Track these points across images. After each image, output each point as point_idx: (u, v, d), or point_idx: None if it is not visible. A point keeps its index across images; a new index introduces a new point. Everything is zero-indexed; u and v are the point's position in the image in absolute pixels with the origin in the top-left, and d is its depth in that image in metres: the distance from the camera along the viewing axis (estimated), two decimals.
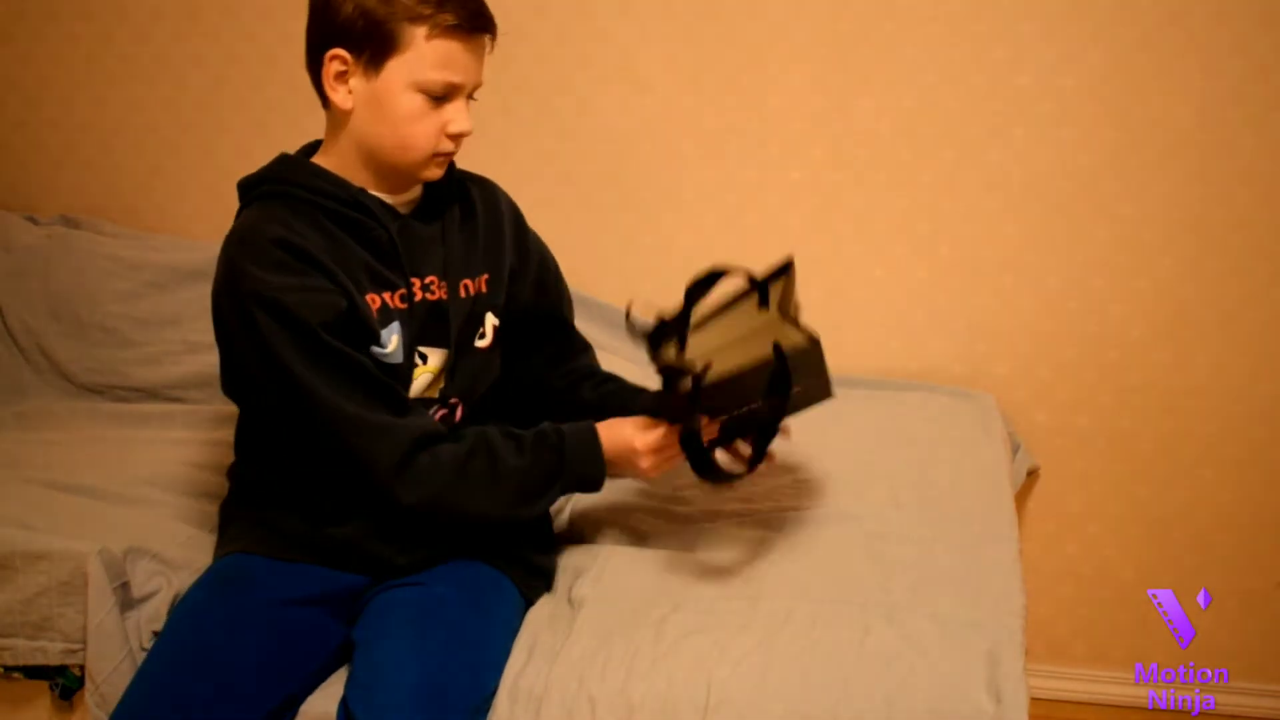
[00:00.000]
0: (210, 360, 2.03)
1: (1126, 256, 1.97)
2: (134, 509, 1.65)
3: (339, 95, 1.33)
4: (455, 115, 1.35)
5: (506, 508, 1.39)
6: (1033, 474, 2.08)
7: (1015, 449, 1.99)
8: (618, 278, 2.14)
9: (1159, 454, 2.05)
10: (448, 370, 1.44)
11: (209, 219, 2.24)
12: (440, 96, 1.33)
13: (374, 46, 1.30)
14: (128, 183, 2.27)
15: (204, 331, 2.06)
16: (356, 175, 1.39)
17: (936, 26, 1.92)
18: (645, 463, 1.40)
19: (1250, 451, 2.02)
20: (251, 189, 1.40)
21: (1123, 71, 1.89)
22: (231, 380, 1.43)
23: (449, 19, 1.29)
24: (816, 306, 2.10)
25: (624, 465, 1.42)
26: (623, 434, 1.41)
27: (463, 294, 1.45)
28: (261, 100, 2.17)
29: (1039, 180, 1.96)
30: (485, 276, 1.48)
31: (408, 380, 1.41)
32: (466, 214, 1.48)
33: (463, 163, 1.52)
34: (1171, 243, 1.95)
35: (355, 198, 1.37)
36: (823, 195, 2.04)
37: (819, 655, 1.31)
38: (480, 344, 1.48)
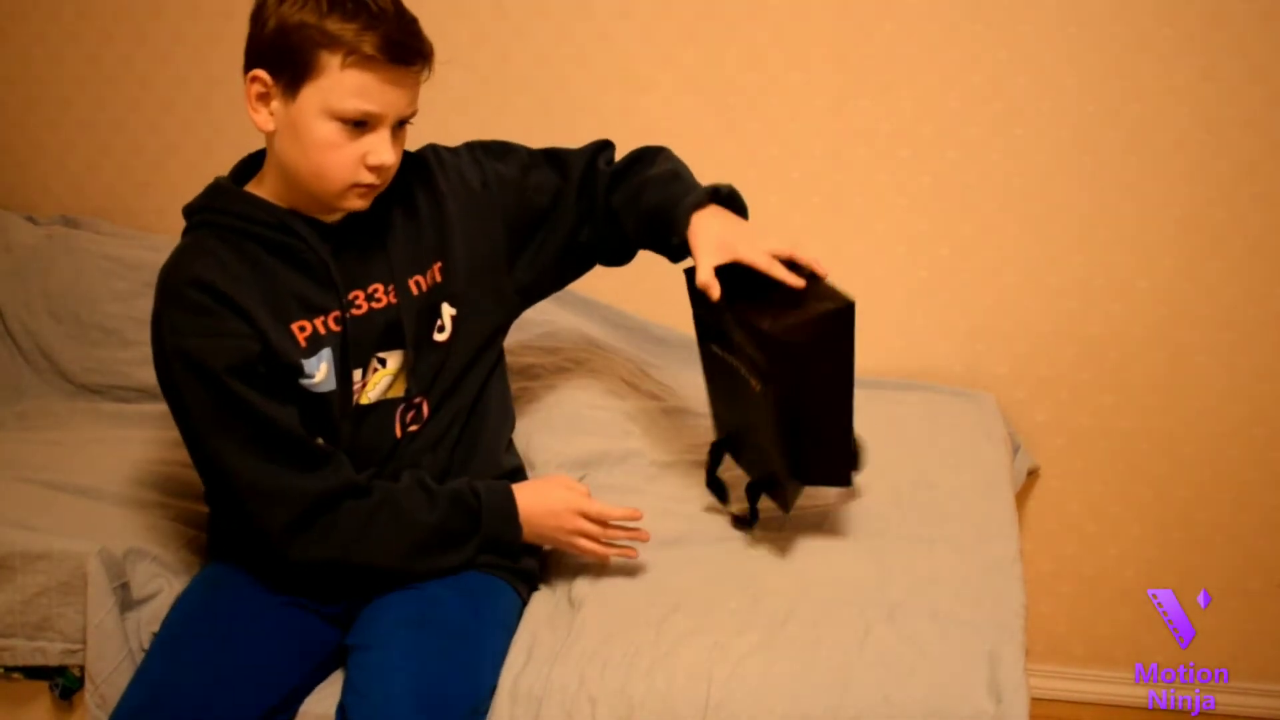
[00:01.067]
0: None
1: (1126, 256, 1.97)
2: (134, 510, 1.65)
3: (261, 117, 1.29)
4: (375, 146, 1.28)
5: (412, 561, 1.38)
6: (1033, 474, 2.08)
7: (1015, 449, 1.99)
8: (618, 278, 2.13)
9: (1159, 454, 2.05)
10: (407, 370, 1.43)
11: None
12: (358, 123, 1.27)
13: (291, 70, 1.25)
14: (127, 183, 2.27)
15: None
16: (287, 197, 1.35)
17: (936, 26, 1.92)
18: (569, 525, 1.44)
19: (1250, 451, 2.02)
20: (189, 216, 1.38)
21: (1123, 71, 1.89)
22: None
23: (367, 48, 1.23)
24: None
25: (541, 531, 1.45)
26: (553, 495, 1.44)
27: (415, 291, 1.42)
28: None
29: (1039, 180, 1.96)
30: (438, 265, 1.44)
31: (337, 409, 1.38)
32: (408, 210, 1.43)
33: None
34: (1171, 243, 1.95)
35: (283, 221, 1.33)
36: (823, 195, 2.04)
37: (819, 655, 1.31)
38: (439, 337, 1.45)
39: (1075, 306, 2.00)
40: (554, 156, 1.57)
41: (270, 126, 1.30)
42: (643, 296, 2.14)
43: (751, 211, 2.06)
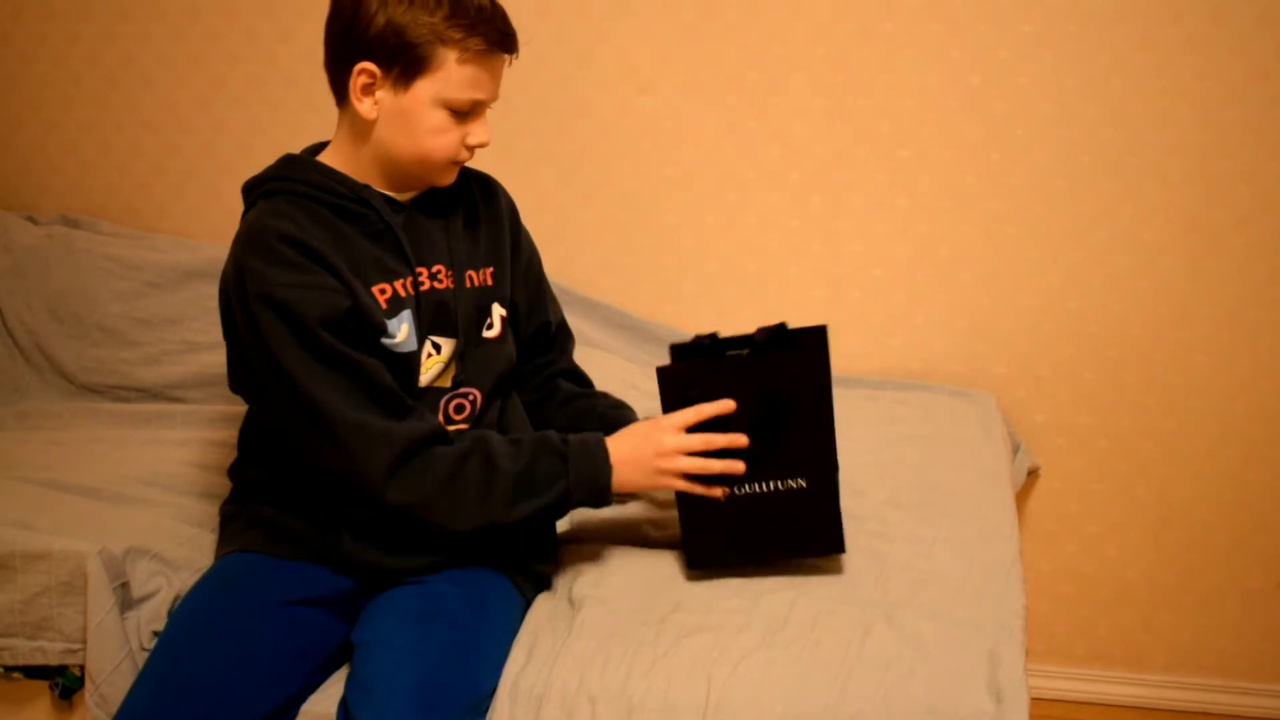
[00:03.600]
0: (210, 360, 2.04)
1: (1126, 256, 1.97)
2: (134, 509, 1.65)
3: (364, 106, 1.36)
4: (476, 129, 1.39)
5: (498, 511, 1.38)
6: (1033, 474, 2.08)
7: (1015, 449, 1.99)
8: (618, 278, 2.14)
9: (1159, 454, 2.05)
10: (458, 359, 1.46)
11: (209, 219, 2.24)
12: (464, 112, 1.37)
13: (404, 64, 1.33)
14: (127, 183, 2.27)
15: (204, 331, 2.07)
16: (363, 174, 1.42)
17: (936, 27, 1.92)
18: (669, 441, 1.38)
19: (1250, 451, 2.02)
20: (256, 188, 1.42)
21: (1123, 71, 1.89)
22: (238, 377, 1.44)
23: (480, 44, 1.33)
24: (817, 306, 2.10)
25: (638, 461, 1.40)
26: (637, 428, 1.43)
27: (468, 284, 1.47)
28: (261, 100, 2.17)
29: (1039, 180, 1.96)
30: (490, 270, 1.50)
31: (418, 368, 1.42)
32: (470, 209, 1.51)
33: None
34: (1171, 243, 1.95)
35: (358, 193, 1.40)
36: (823, 195, 2.04)
37: (819, 655, 1.31)
38: (489, 334, 1.50)
39: (1075, 306, 2.00)
40: (548, 335, 1.65)
41: (374, 115, 1.37)
42: (643, 296, 2.14)
43: (752, 212, 2.07)
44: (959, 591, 1.41)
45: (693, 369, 1.39)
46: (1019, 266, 2.00)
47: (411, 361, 1.41)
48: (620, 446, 1.41)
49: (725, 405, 1.38)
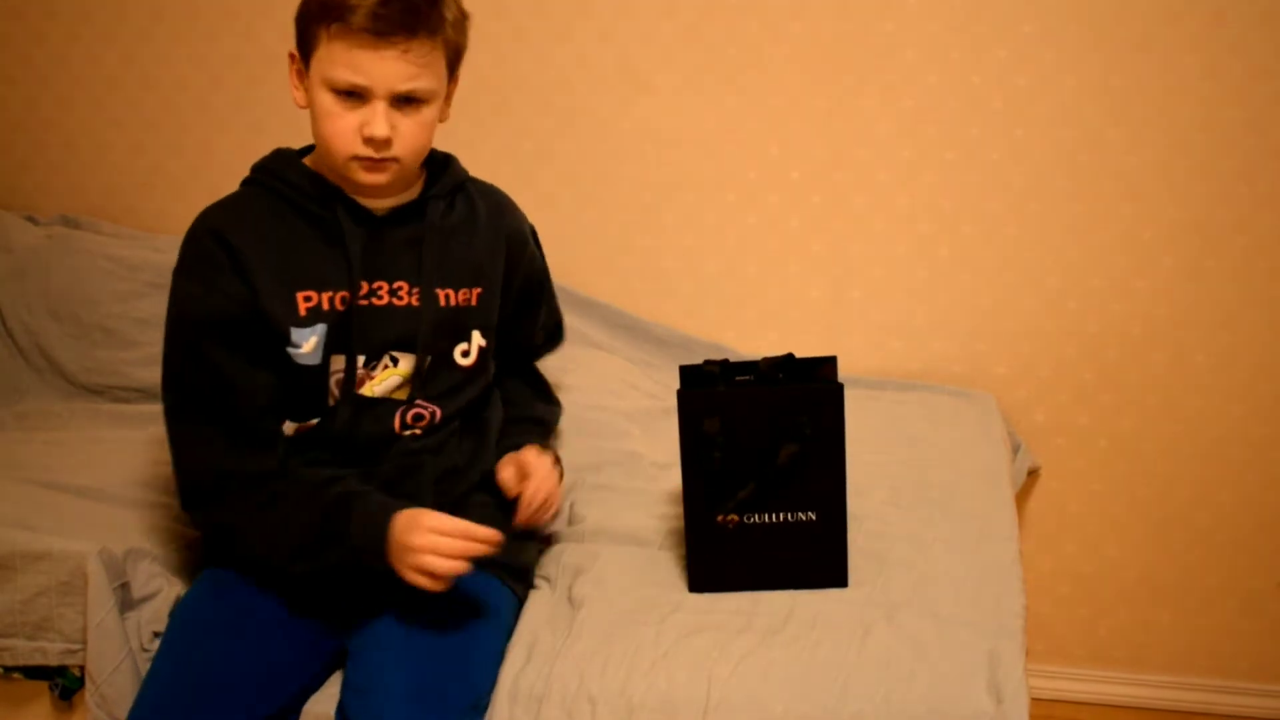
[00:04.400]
0: None
1: (1126, 256, 1.97)
2: (134, 510, 1.65)
3: (298, 94, 1.40)
4: (370, 117, 1.32)
5: (281, 560, 1.36)
6: (1033, 474, 2.08)
7: (1016, 449, 1.99)
8: (618, 278, 2.14)
9: (1159, 454, 2.05)
10: (418, 376, 1.43)
11: None
12: (351, 95, 1.32)
13: (302, 46, 1.36)
14: (127, 183, 2.27)
15: None
16: (334, 176, 1.41)
17: (936, 26, 1.92)
18: (420, 540, 1.27)
19: (1250, 451, 2.02)
20: (251, 173, 1.45)
21: (1123, 71, 1.89)
22: None
23: (349, 20, 1.28)
24: (817, 306, 2.10)
25: (395, 555, 1.30)
26: (406, 516, 1.32)
27: (443, 302, 1.44)
28: (261, 100, 2.17)
29: (1039, 180, 1.96)
30: (478, 291, 1.47)
31: (324, 382, 1.40)
32: (465, 225, 1.47)
33: (462, 161, 1.52)
34: (1171, 243, 1.95)
35: (325, 195, 1.39)
36: (823, 195, 2.04)
37: (819, 655, 1.31)
38: (463, 361, 1.47)
39: (1075, 306, 2.00)
40: (539, 330, 1.66)
41: (303, 103, 1.39)
42: (643, 297, 2.14)
43: (752, 212, 2.07)
44: (959, 591, 1.41)
45: (709, 398, 1.39)
46: (1019, 266, 2.00)
47: (313, 374, 1.39)
48: (397, 529, 1.31)
49: (492, 535, 1.28)
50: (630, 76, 2.04)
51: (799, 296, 2.09)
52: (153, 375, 2.08)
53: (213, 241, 1.36)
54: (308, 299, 1.38)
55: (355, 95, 1.32)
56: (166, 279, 2.10)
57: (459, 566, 1.27)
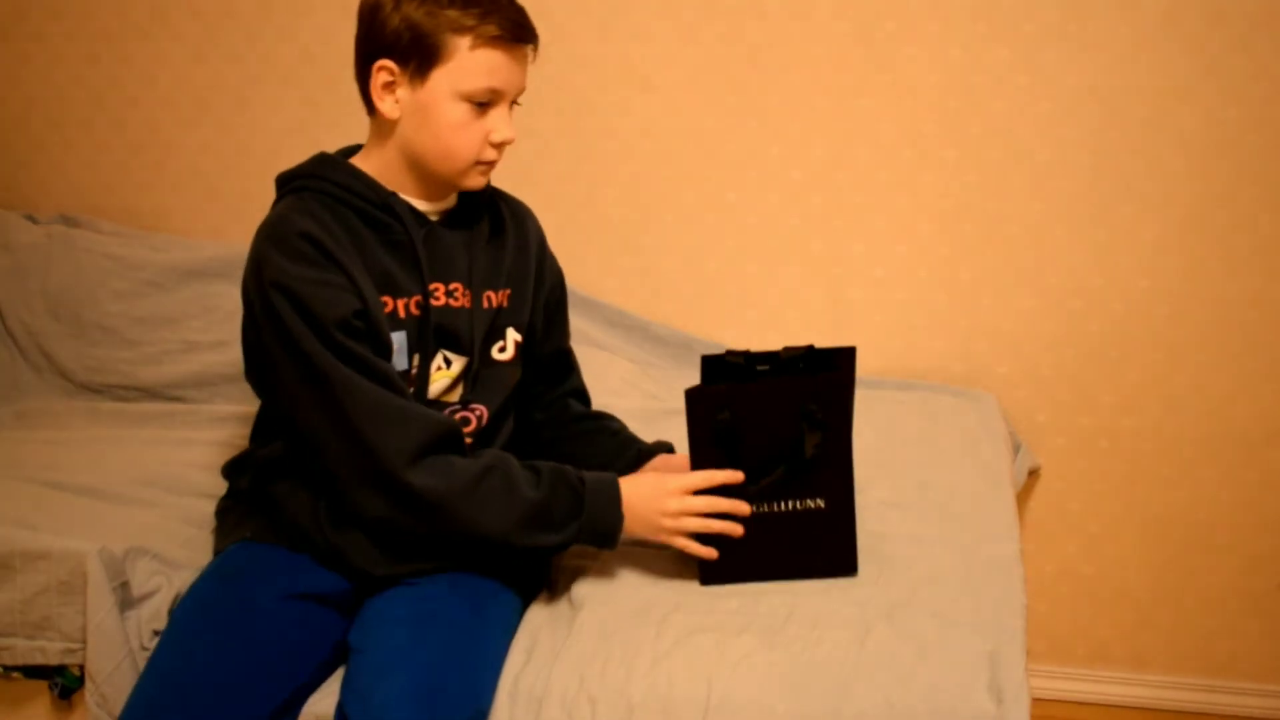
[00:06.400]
0: (210, 360, 2.04)
1: (1126, 256, 1.97)
2: (134, 509, 1.65)
3: (386, 105, 1.37)
4: (498, 123, 1.38)
5: (513, 532, 1.37)
6: (1033, 474, 2.08)
7: (1016, 449, 1.99)
8: (618, 278, 2.14)
9: (1159, 454, 2.05)
10: (468, 377, 1.47)
11: (208, 218, 2.24)
12: (483, 104, 1.37)
13: (420, 57, 1.34)
14: (127, 182, 2.27)
15: (203, 331, 2.07)
16: (394, 180, 1.42)
17: (936, 26, 1.92)
18: (674, 504, 1.39)
19: (1250, 451, 2.02)
20: (289, 182, 1.44)
21: (1123, 71, 1.89)
22: (254, 367, 1.44)
23: (492, 30, 1.34)
24: (817, 306, 2.10)
25: (645, 516, 1.41)
26: (648, 480, 1.43)
27: (485, 304, 1.48)
28: (262, 100, 2.17)
29: (1039, 180, 1.96)
30: (508, 292, 1.51)
31: (403, 387, 1.41)
32: (496, 229, 1.52)
33: None
34: (1172, 243, 1.95)
35: (385, 200, 1.41)
36: (823, 195, 2.04)
37: (819, 655, 1.31)
38: (501, 356, 1.51)
39: (1076, 306, 2.00)
40: (564, 365, 1.67)
41: (396, 114, 1.37)
42: (643, 296, 2.14)
43: (752, 212, 2.07)
44: (959, 591, 1.41)
45: (723, 393, 1.39)
46: (1019, 266, 2.00)
47: (402, 380, 1.41)
48: (630, 495, 1.41)
49: (734, 475, 1.40)
50: (630, 76, 2.04)
51: (799, 296, 2.09)
52: (152, 374, 2.10)
53: (307, 243, 1.34)
54: (385, 303, 1.40)
55: (483, 103, 1.36)
56: (166, 278, 2.13)
57: (724, 526, 1.39)
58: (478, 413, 1.49)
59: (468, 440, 1.48)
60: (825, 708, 1.26)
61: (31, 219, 2.24)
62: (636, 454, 1.56)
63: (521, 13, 1.39)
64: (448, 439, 1.37)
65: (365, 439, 1.32)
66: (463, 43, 1.33)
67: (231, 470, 1.56)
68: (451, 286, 1.45)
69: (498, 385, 1.51)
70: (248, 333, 1.41)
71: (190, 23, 2.15)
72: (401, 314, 1.41)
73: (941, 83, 1.95)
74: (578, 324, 2.05)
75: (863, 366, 2.09)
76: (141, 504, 1.66)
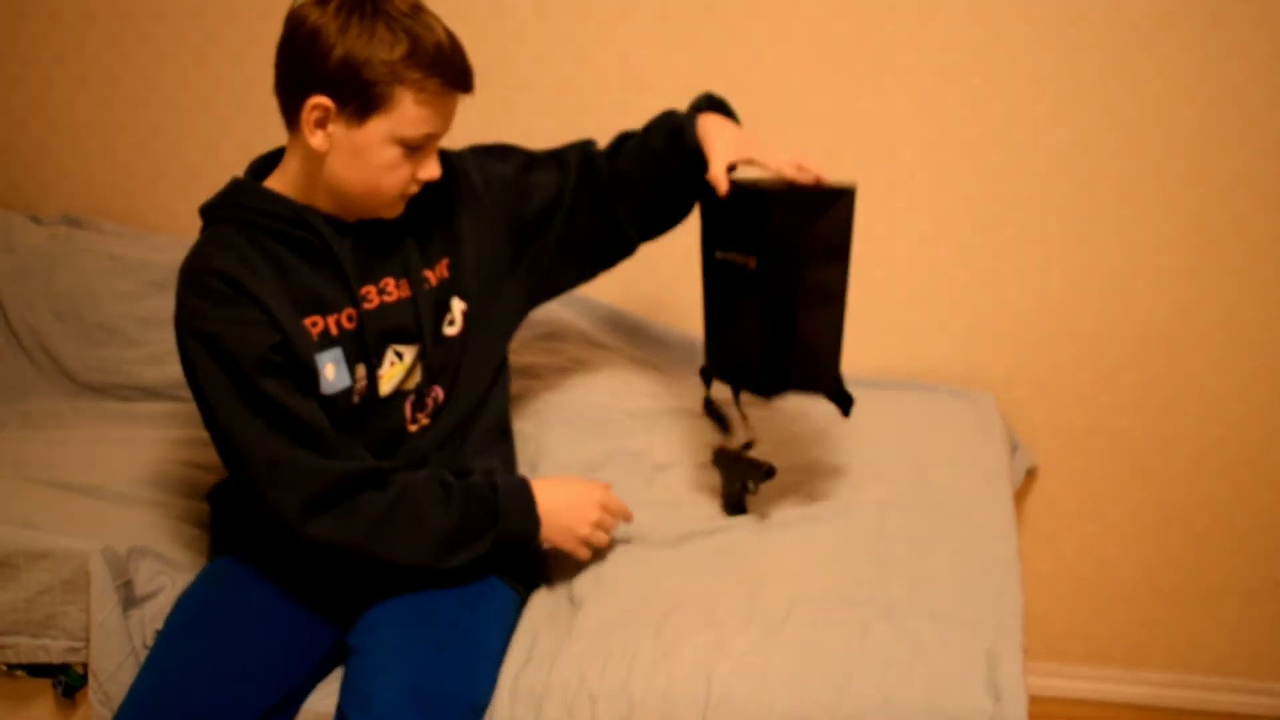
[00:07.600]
0: None
1: (1126, 256, 1.97)
2: (137, 508, 1.65)
3: (316, 139, 1.33)
4: (428, 163, 1.38)
5: (431, 561, 1.39)
6: (1031, 473, 2.08)
7: (1014, 448, 1.99)
8: (618, 278, 2.13)
9: (1158, 454, 2.05)
10: (421, 362, 1.46)
11: None
12: (416, 147, 1.36)
13: (360, 102, 1.30)
14: (130, 183, 2.27)
15: None
16: (310, 196, 1.39)
17: (936, 27, 1.93)
18: (595, 515, 1.47)
19: (1250, 451, 2.02)
20: (209, 213, 1.42)
21: (1122, 72, 1.89)
22: None
23: (438, 85, 1.32)
24: None
25: (568, 524, 1.46)
26: (572, 488, 1.48)
27: (426, 286, 1.46)
28: (263, 101, 2.16)
29: (1039, 180, 1.96)
30: (446, 261, 1.49)
31: (349, 404, 1.41)
32: (416, 207, 1.47)
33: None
34: (1171, 243, 1.95)
35: (300, 216, 1.38)
36: None
37: (819, 655, 1.32)
38: (450, 330, 1.49)
39: (1074, 307, 2.01)
40: (551, 154, 1.62)
41: (325, 148, 1.34)
42: (643, 296, 2.14)
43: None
44: (958, 591, 1.42)
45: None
46: (1018, 266, 2.01)
47: (337, 400, 1.39)
48: (555, 502, 1.45)
49: (628, 516, 1.53)
50: (631, 77, 2.04)
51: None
52: (155, 374, 2.10)
53: (219, 281, 1.32)
54: (314, 324, 1.38)
55: (418, 146, 1.35)
56: (169, 279, 2.10)
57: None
58: (434, 394, 1.48)
59: (425, 421, 1.47)
60: (824, 707, 1.27)
61: (35, 220, 2.24)
62: (678, 129, 1.55)
63: (464, 59, 1.36)
64: (348, 484, 1.35)
65: (265, 497, 1.34)
66: (408, 95, 1.30)
67: (213, 497, 1.58)
68: (383, 283, 1.43)
69: (451, 360, 1.49)
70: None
71: (192, 24, 2.16)
72: (334, 330, 1.39)
73: (941, 83, 1.95)
74: (578, 324, 2.06)
75: (862, 367, 2.09)
76: (144, 504, 1.67)
